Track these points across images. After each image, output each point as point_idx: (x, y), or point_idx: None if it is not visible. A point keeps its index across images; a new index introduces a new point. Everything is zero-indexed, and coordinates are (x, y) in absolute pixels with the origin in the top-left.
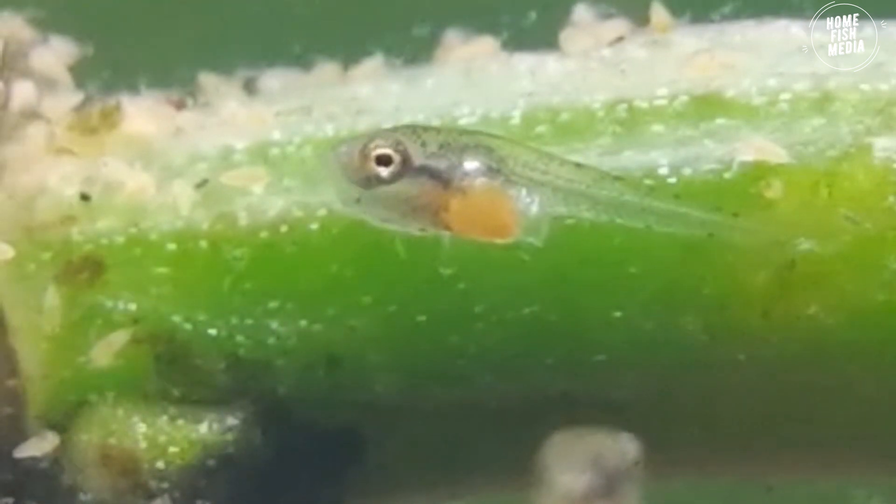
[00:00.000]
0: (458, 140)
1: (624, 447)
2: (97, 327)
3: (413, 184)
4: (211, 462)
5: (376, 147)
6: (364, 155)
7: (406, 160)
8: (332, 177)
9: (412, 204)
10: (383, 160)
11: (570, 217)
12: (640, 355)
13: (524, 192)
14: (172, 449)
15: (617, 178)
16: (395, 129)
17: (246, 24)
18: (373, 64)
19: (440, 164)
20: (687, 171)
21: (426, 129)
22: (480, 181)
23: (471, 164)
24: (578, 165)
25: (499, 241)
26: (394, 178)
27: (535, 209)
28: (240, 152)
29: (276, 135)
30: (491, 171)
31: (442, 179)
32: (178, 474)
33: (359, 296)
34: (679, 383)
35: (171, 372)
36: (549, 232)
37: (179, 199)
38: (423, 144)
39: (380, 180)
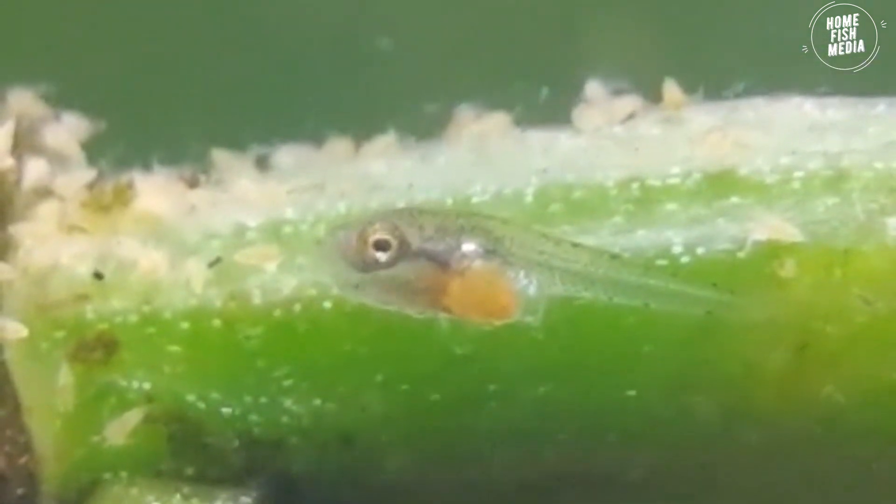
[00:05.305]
0: (455, 222)
1: None
2: (111, 406)
3: (411, 267)
4: None
5: (374, 232)
6: (362, 240)
7: (403, 244)
8: (330, 262)
9: (411, 287)
10: (381, 245)
11: (579, 297)
12: (653, 435)
13: (521, 272)
14: None
15: (614, 257)
16: (391, 213)
17: (258, 100)
18: (385, 140)
19: (438, 247)
20: (700, 250)
21: (422, 212)
22: (478, 263)
23: (468, 246)
24: (575, 244)
25: (497, 322)
26: (392, 262)
27: (532, 290)
28: (253, 230)
29: (289, 212)
30: (488, 253)
31: (440, 262)
32: None
33: (372, 374)
34: (693, 463)
35: (185, 450)
36: (559, 312)
37: (193, 277)
38: (421, 228)
39: (378, 265)
